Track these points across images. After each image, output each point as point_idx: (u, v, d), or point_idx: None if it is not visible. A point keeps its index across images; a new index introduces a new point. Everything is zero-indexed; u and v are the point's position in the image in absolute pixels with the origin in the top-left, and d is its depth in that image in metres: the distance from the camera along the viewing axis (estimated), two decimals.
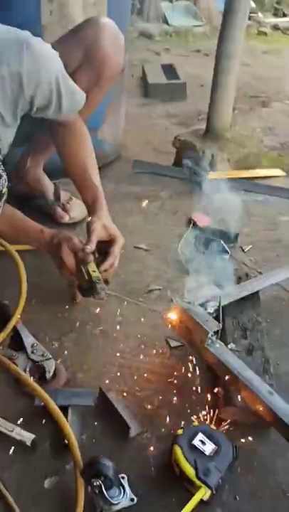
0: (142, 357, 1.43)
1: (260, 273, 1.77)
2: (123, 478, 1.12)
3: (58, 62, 1.41)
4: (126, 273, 1.72)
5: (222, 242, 1.85)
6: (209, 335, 1.27)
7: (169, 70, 4.23)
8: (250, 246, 1.91)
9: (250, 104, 4.10)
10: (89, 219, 1.57)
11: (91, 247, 1.47)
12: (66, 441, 1.16)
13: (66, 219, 1.94)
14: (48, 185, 2.00)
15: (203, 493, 1.07)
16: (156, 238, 1.91)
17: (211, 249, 1.85)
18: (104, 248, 1.54)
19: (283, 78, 4.75)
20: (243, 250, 1.89)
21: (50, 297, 1.60)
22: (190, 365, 1.40)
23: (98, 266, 1.48)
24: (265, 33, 6.16)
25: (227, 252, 1.85)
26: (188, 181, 2.26)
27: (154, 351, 1.45)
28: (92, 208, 1.62)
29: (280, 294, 1.70)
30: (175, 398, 1.32)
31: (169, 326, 1.43)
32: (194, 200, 2.15)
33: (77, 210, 1.97)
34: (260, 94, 4.33)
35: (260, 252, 1.89)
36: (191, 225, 1.98)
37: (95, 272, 1.44)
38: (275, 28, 6.38)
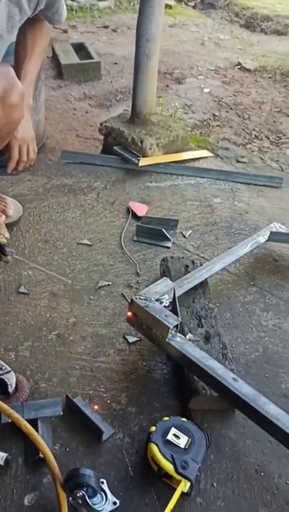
0: (102, 357, 1.42)
1: (204, 257, 1.81)
2: (103, 483, 1.12)
3: None
4: (72, 272, 1.70)
5: (163, 229, 1.86)
6: (170, 329, 1.29)
7: (81, 49, 4.12)
8: (190, 231, 1.95)
9: (165, 81, 4.10)
10: None
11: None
12: (41, 455, 1.14)
13: (3, 219, 1.85)
14: None
15: (183, 487, 1.10)
16: (97, 232, 1.89)
17: (153, 238, 1.86)
18: None
19: (192, 52, 4.79)
20: (183, 236, 1.92)
21: None
22: (150, 358, 1.43)
23: None
24: (170, 6, 6.15)
25: (169, 239, 1.87)
26: (120, 169, 2.25)
27: (113, 349, 1.45)
28: None
29: (224, 277, 1.75)
30: (141, 394, 1.33)
31: (127, 323, 1.43)
32: (129, 189, 2.15)
33: (12, 209, 1.89)
34: (173, 70, 4.35)
35: (200, 237, 1.93)
36: (130, 215, 1.98)
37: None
38: (179, 0, 6.40)
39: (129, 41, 4.23)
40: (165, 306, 1.40)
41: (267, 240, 1.79)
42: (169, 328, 1.29)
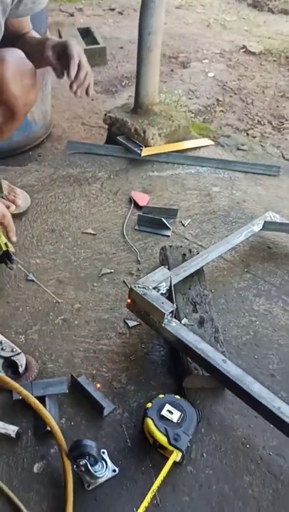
0: (104, 340, 1.55)
1: (201, 246, 1.92)
2: (104, 453, 1.26)
3: None
4: (77, 260, 1.81)
5: (163, 219, 1.96)
6: (166, 315, 1.41)
7: (87, 34, 4.17)
8: (189, 220, 2.05)
9: (170, 65, 4.15)
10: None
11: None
12: (48, 428, 1.27)
13: (12, 209, 1.96)
14: None
15: (175, 456, 1.23)
16: (101, 221, 2.00)
17: (153, 227, 1.97)
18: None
19: (198, 35, 4.81)
20: (183, 225, 2.02)
21: (7, 292, 1.67)
22: (149, 341, 1.55)
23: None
24: None
25: (168, 228, 1.97)
26: (124, 159, 2.35)
27: (115, 333, 1.57)
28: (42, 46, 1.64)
29: (220, 264, 1.86)
30: (140, 373, 1.46)
31: (128, 309, 1.55)
32: (132, 179, 2.25)
33: (21, 199, 2.00)
34: (178, 54, 4.38)
35: (198, 225, 2.03)
36: (132, 204, 2.08)
37: (6, 242, 1.58)
38: None
39: (135, 24, 4.24)
40: (162, 293, 1.51)
41: (261, 229, 1.88)
42: (164, 314, 1.40)
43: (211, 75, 4.02)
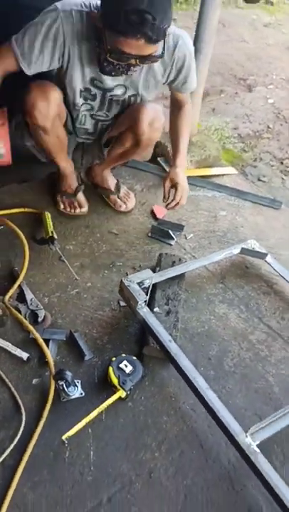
0: (100, 311, 2.22)
1: (194, 256, 2.53)
2: (78, 382, 1.94)
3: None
4: (98, 252, 2.49)
5: (170, 231, 2.58)
6: (139, 303, 2.06)
7: None
8: (192, 235, 2.65)
9: (237, 87, 4.64)
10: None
11: None
12: (46, 360, 1.98)
13: (123, 208, 2.68)
14: (112, 182, 2.71)
15: (121, 394, 1.89)
16: (125, 225, 2.66)
17: (162, 236, 2.60)
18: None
19: (274, 59, 5.21)
20: (185, 238, 2.64)
21: (44, 266, 2.39)
22: (130, 318, 2.21)
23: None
24: (272, 2, 6.48)
25: (173, 238, 2.59)
26: (158, 176, 2.97)
27: (109, 308, 2.24)
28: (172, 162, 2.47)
29: (202, 273, 2.46)
30: (116, 339, 2.13)
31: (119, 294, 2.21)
32: (159, 194, 2.87)
33: (131, 201, 2.69)
34: (248, 76, 4.85)
35: (197, 240, 2.63)
36: (152, 215, 2.71)
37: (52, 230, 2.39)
38: None
39: (219, 41, 4.73)
40: (145, 287, 2.16)
41: (238, 253, 2.46)
42: (138, 302, 2.05)
43: (270, 101, 4.47)
